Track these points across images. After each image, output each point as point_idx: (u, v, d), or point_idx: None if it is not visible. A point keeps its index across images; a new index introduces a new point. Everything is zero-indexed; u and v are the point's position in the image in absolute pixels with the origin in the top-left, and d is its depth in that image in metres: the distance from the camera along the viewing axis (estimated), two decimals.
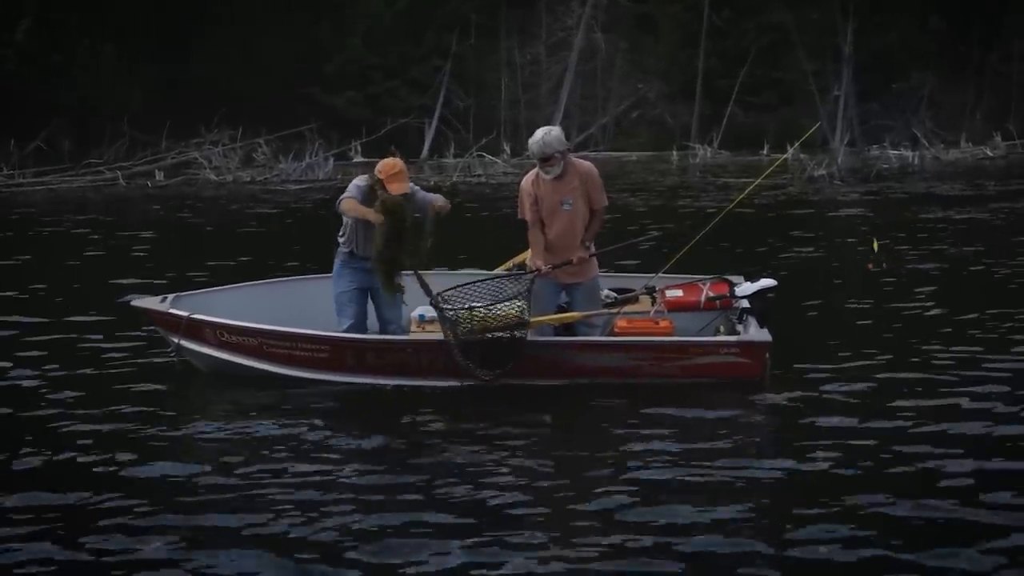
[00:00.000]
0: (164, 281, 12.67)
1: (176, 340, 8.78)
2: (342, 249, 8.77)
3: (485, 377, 8.15)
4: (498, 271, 9.39)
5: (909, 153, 32.48)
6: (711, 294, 9.07)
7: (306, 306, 9.24)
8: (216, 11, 33.57)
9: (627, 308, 8.97)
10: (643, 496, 6.19)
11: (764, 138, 34.62)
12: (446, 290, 8.31)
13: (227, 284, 10.01)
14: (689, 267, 9.53)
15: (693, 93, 36.73)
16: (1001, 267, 13.43)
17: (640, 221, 18.61)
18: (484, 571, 5.37)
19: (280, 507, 6.15)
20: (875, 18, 35.51)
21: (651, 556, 5.47)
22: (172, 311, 8.82)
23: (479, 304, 8.15)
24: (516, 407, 7.96)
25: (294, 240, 17.96)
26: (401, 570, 5.40)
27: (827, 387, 8.20)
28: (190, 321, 8.68)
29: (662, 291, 9.12)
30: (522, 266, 9.17)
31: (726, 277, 9.19)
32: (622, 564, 5.40)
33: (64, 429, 7.62)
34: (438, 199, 8.65)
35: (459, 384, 8.28)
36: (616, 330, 8.71)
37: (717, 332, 8.87)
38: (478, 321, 8.02)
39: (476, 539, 5.69)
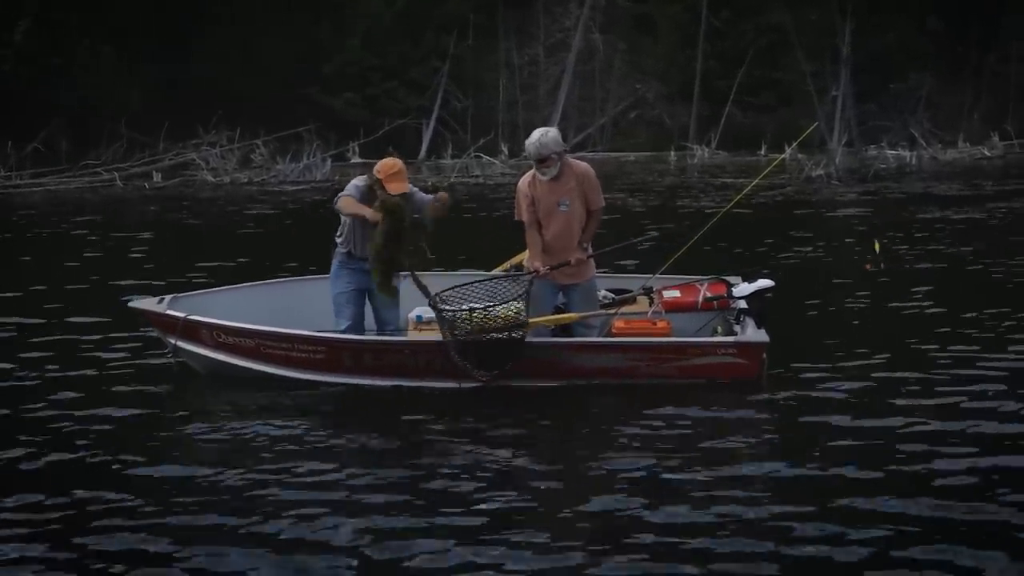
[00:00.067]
0: (161, 282, 12.66)
1: (173, 341, 8.78)
2: (340, 250, 8.77)
3: (482, 378, 8.16)
4: (496, 272, 9.39)
5: (907, 153, 32.48)
6: (709, 295, 9.06)
7: (304, 307, 9.24)
8: (215, 12, 33.52)
9: (625, 309, 8.97)
10: (641, 496, 6.19)
11: (762, 139, 34.61)
12: (444, 291, 8.32)
13: (224, 285, 10.01)
14: (687, 268, 9.54)
15: (691, 94, 36.72)
16: (998, 267, 13.44)
17: (638, 221, 18.62)
18: (482, 570, 5.38)
19: (277, 507, 6.15)
20: (873, 19, 35.50)
21: (649, 555, 5.47)
22: (169, 312, 8.81)
23: (478, 305, 8.15)
24: (514, 408, 7.96)
25: (292, 241, 17.96)
26: (399, 569, 5.40)
27: (825, 387, 8.21)
28: (187, 322, 8.67)
29: (659, 292, 9.12)
30: (519, 267, 9.17)
31: (724, 278, 9.20)
32: (620, 562, 5.41)
33: (61, 429, 7.62)
34: (439, 196, 8.64)
35: (457, 385, 8.28)
36: (614, 331, 8.71)
37: (715, 333, 8.88)
38: (476, 322, 8.02)
39: (473, 538, 5.70)
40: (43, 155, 30.92)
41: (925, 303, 11.23)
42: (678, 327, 8.84)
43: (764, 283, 8.76)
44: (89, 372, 9.14)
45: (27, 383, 8.85)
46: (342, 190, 8.65)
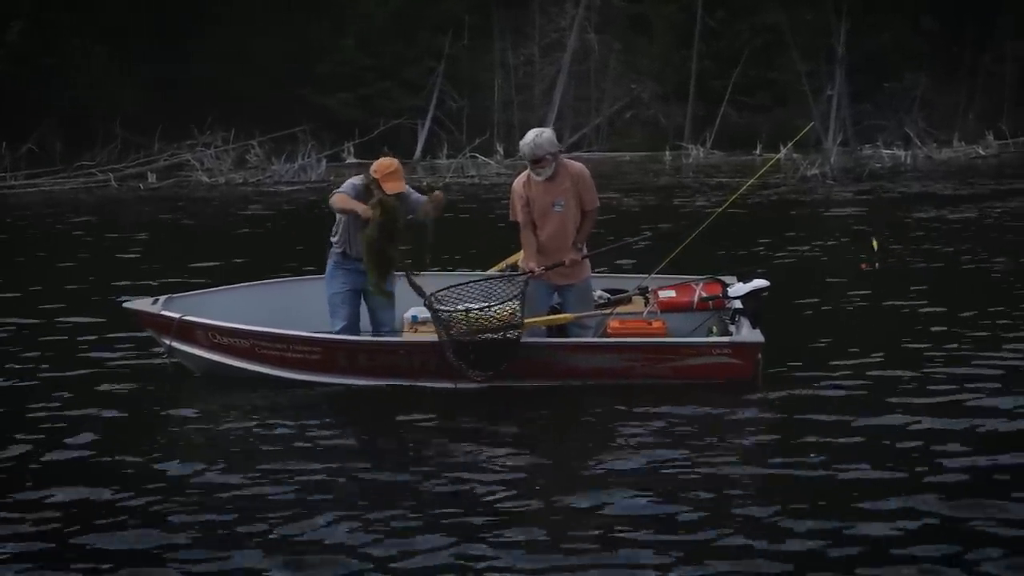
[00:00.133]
0: (156, 283, 12.65)
1: (168, 342, 8.76)
2: (335, 250, 8.75)
3: (477, 378, 8.14)
4: (491, 272, 9.38)
5: (902, 152, 32.53)
6: (704, 295, 9.06)
7: (299, 307, 9.23)
8: (209, 12, 33.50)
9: (620, 309, 8.96)
10: (636, 495, 6.18)
11: (757, 138, 34.65)
12: (439, 291, 8.31)
13: (219, 286, 9.99)
14: (682, 267, 9.53)
15: (686, 94, 36.77)
16: (993, 265, 13.46)
17: (634, 222, 18.61)
18: (479, 567, 5.38)
19: (273, 506, 6.15)
20: (868, 19, 35.58)
21: (645, 552, 5.48)
22: (164, 313, 8.79)
23: (473, 305, 8.14)
24: (509, 408, 7.96)
25: (287, 241, 17.94)
26: (396, 567, 5.40)
27: (820, 386, 8.21)
28: (182, 323, 8.65)
29: (655, 292, 9.12)
30: (515, 267, 9.16)
31: (719, 277, 9.19)
32: (617, 560, 5.42)
33: (55, 429, 7.60)
34: (433, 195, 8.62)
35: (452, 386, 8.26)
36: (609, 331, 8.70)
37: (710, 333, 8.87)
38: (472, 322, 8.01)
39: (469, 536, 5.70)
40: (37, 156, 30.89)
41: (920, 302, 11.24)
42: (673, 327, 8.83)
43: (759, 283, 8.75)
44: (83, 372, 9.11)
45: (22, 384, 8.83)
46: (338, 188, 8.64)
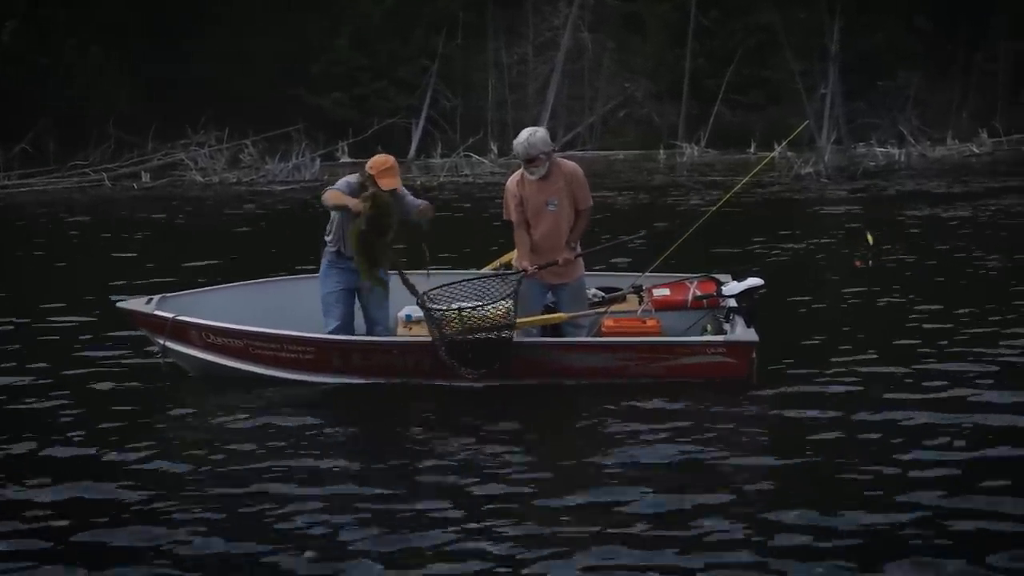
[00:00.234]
0: (150, 282, 12.63)
1: (162, 342, 8.74)
2: (329, 249, 8.73)
3: (469, 376, 8.13)
4: (485, 271, 9.37)
5: (896, 151, 32.56)
6: (698, 293, 9.07)
7: (294, 306, 9.21)
8: (203, 12, 33.45)
9: (614, 307, 8.96)
10: (632, 492, 6.20)
11: (751, 137, 34.67)
12: (432, 289, 8.29)
13: (213, 285, 9.98)
14: (677, 266, 9.53)
15: (680, 92, 36.77)
16: (987, 263, 13.49)
17: (627, 220, 18.61)
18: (476, 561, 5.40)
19: (270, 502, 6.18)
20: (862, 18, 35.59)
21: (643, 547, 5.50)
22: (157, 313, 8.77)
23: (466, 304, 8.13)
24: (504, 408, 7.95)
25: (281, 240, 17.93)
26: (395, 561, 5.42)
27: (815, 385, 8.22)
28: (175, 323, 8.64)
29: (649, 290, 9.12)
30: (508, 266, 9.16)
31: (713, 276, 9.19)
32: (613, 554, 5.44)
33: (50, 429, 7.59)
34: (422, 203, 8.61)
35: (446, 385, 8.25)
36: (603, 329, 8.70)
37: (704, 331, 8.87)
38: (465, 321, 8.01)
39: (467, 531, 5.74)
40: (31, 156, 30.85)
41: (914, 300, 11.24)
42: (668, 325, 8.83)
43: (754, 281, 8.75)
44: (78, 372, 9.10)
45: (16, 383, 8.81)
46: (332, 186, 8.63)
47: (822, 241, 16.00)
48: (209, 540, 5.74)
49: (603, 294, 9.22)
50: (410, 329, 9.00)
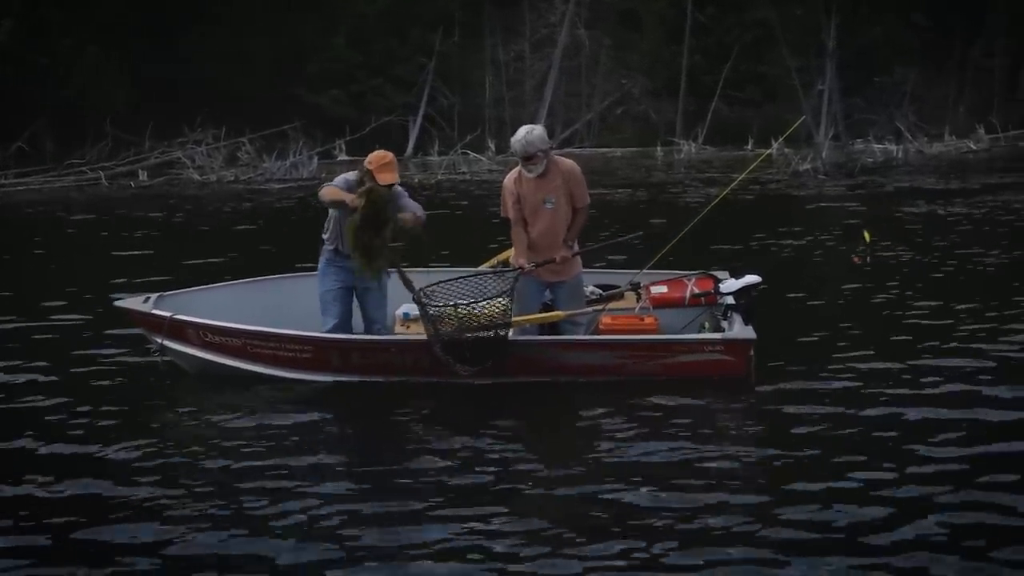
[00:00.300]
0: (148, 280, 12.62)
1: (160, 340, 8.74)
2: (327, 247, 8.73)
3: (464, 373, 8.12)
4: (482, 268, 9.36)
5: (893, 147, 32.57)
6: (696, 290, 9.07)
7: (292, 304, 9.21)
8: (200, 11, 33.41)
9: (612, 304, 8.96)
10: (630, 488, 6.21)
11: (748, 133, 34.66)
12: (428, 286, 8.28)
13: (211, 283, 9.97)
14: (674, 263, 9.53)
15: (677, 89, 36.75)
16: (985, 259, 13.49)
17: (625, 217, 18.60)
18: (474, 556, 5.42)
19: (268, 499, 6.19)
20: (858, 14, 35.58)
21: (641, 543, 5.51)
22: (155, 312, 8.77)
23: (463, 301, 8.13)
24: (502, 405, 7.96)
25: (278, 238, 17.91)
26: (393, 557, 5.42)
27: (813, 382, 8.22)
28: (173, 322, 8.63)
29: (647, 287, 9.12)
30: (506, 264, 9.16)
31: (711, 273, 9.20)
32: (611, 549, 5.45)
33: (48, 427, 7.60)
34: (416, 211, 8.56)
35: (444, 382, 8.25)
36: (601, 327, 8.70)
37: (702, 328, 8.87)
38: (461, 318, 8.00)
39: (465, 527, 5.75)
40: (28, 154, 30.80)
41: (912, 296, 11.25)
42: (665, 323, 8.83)
43: (751, 279, 8.75)
44: (76, 371, 9.10)
45: (14, 381, 8.81)
46: (329, 182, 8.62)
47: (820, 238, 15.99)
48: (207, 537, 5.76)
49: (601, 291, 9.22)
50: (408, 327, 9.00)
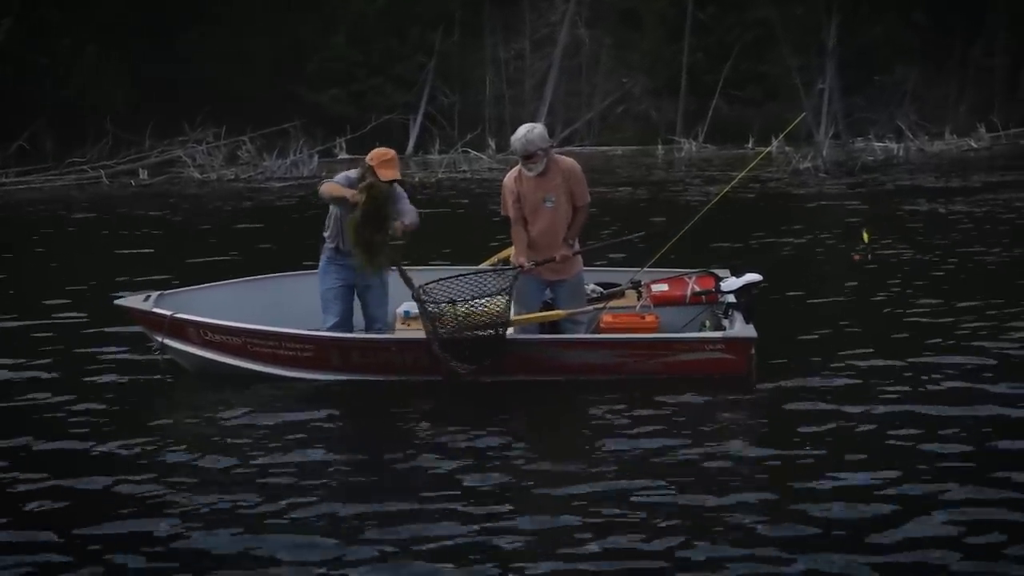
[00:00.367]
0: (149, 279, 12.61)
1: (160, 339, 8.73)
2: (328, 245, 8.73)
3: (462, 370, 8.11)
4: (483, 267, 9.36)
5: (894, 145, 32.56)
6: (697, 288, 9.07)
7: (292, 303, 9.21)
8: (200, 10, 33.40)
9: (613, 303, 8.95)
10: (631, 486, 6.20)
11: (749, 132, 34.64)
12: (428, 283, 8.27)
13: (211, 281, 9.97)
14: (675, 261, 9.52)
15: (678, 88, 36.72)
16: (986, 257, 13.49)
17: (625, 216, 18.59)
18: (475, 554, 5.41)
19: (268, 497, 6.18)
20: (859, 12, 35.56)
21: (640, 541, 5.51)
22: (155, 310, 8.77)
23: (461, 299, 8.11)
24: (502, 404, 7.96)
25: (279, 237, 17.90)
26: (393, 554, 5.42)
27: (814, 380, 8.22)
28: (173, 320, 8.63)
29: (648, 285, 9.12)
30: (506, 262, 9.15)
31: (712, 271, 9.20)
32: (611, 546, 5.46)
33: (47, 426, 7.59)
34: (410, 216, 8.52)
35: (445, 381, 8.24)
36: (602, 325, 8.69)
37: (703, 327, 8.87)
38: (460, 316, 7.99)
39: (465, 525, 5.75)
40: (28, 153, 30.79)
41: (913, 294, 11.25)
42: (666, 321, 8.82)
43: (752, 277, 8.74)
44: (76, 369, 9.10)
45: (15, 379, 8.82)
46: (329, 179, 8.61)
47: (821, 236, 15.98)
48: (207, 535, 5.76)
49: (601, 290, 9.21)
50: (409, 326, 8.99)
